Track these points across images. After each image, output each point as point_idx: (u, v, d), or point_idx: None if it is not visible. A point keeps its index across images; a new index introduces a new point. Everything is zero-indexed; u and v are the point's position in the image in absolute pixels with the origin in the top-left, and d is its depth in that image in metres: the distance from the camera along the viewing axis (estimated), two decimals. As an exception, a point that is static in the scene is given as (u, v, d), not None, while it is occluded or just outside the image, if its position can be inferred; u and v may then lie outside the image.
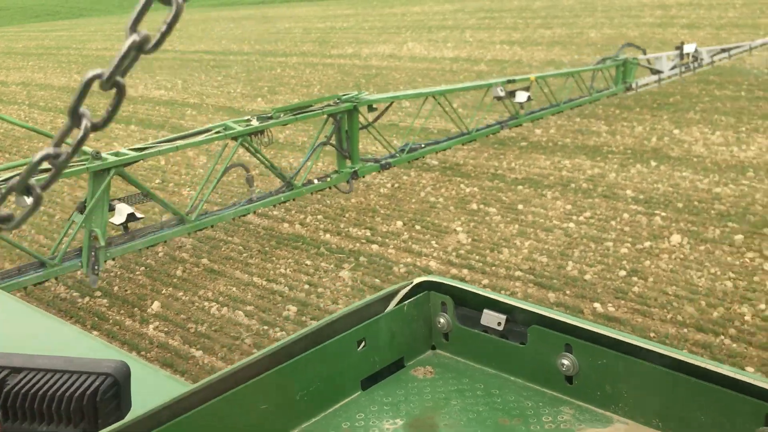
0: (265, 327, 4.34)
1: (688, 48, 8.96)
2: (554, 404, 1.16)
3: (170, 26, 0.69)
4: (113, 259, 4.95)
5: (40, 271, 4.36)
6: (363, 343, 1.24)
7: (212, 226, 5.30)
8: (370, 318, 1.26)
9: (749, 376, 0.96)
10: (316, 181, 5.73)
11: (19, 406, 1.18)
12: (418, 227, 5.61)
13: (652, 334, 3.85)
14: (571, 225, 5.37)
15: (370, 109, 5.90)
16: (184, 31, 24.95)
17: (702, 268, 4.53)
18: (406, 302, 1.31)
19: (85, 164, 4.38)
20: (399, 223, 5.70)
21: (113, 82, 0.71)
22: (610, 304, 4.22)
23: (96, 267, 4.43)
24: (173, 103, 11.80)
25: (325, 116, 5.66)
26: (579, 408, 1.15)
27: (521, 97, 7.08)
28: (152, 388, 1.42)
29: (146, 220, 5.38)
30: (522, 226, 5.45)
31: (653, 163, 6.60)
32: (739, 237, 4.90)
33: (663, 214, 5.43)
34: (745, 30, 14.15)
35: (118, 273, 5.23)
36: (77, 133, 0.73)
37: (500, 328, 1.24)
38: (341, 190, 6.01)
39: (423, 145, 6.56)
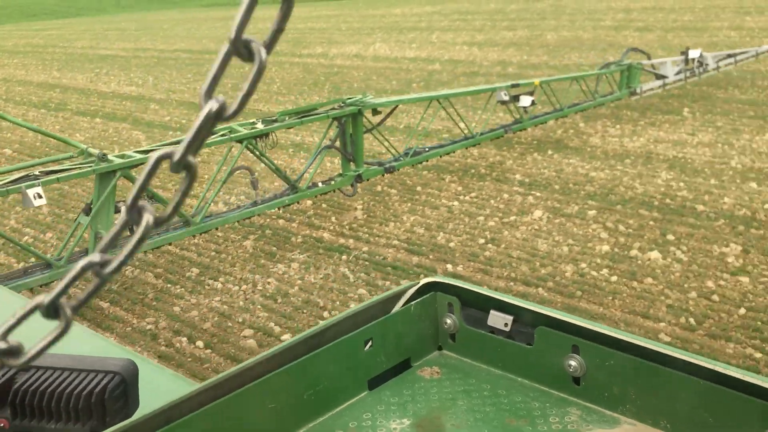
0: (169, 285, 5.07)
1: (693, 53, 8.97)
2: (561, 405, 1.17)
3: (253, 85, 0.58)
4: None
5: (46, 272, 4.36)
6: (370, 343, 1.25)
7: (217, 229, 5.40)
8: (377, 318, 1.27)
9: (758, 378, 0.96)
10: (320, 184, 5.76)
11: (27, 403, 1.18)
12: (324, 206, 6.35)
13: (484, 286, 4.58)
14: (456, 203, 6.11)
15: (375, 112, 5.94)
16: (169, 31, 25.72)
17: (549, 237, 5.27)
18: (412, 303, 1.32)
19: (91, 166, 4.42)
20: (309, 202, 6.43)
21: (184, 164, 0.59)
22: (460, 265, 4.95)
23: None
24: (141, 98, 12.55)
25: (330, 119, 5.69)
26: (586, 409, 1.15)
27: (525, 101, 7.07)
28: (159, 387, 1.43)
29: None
30: (414, 204, 6.19)
31: (550, 152, 7.34)
32: (592, 212, 5.64)
33: (538, 194, 6.17)
34: (691, 33, 14.90)
35: (54, 244, 5.96)
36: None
37: (507, 329, 1.25)
38: (345, 194, 6.03)
39: (427, 149, 6.58)
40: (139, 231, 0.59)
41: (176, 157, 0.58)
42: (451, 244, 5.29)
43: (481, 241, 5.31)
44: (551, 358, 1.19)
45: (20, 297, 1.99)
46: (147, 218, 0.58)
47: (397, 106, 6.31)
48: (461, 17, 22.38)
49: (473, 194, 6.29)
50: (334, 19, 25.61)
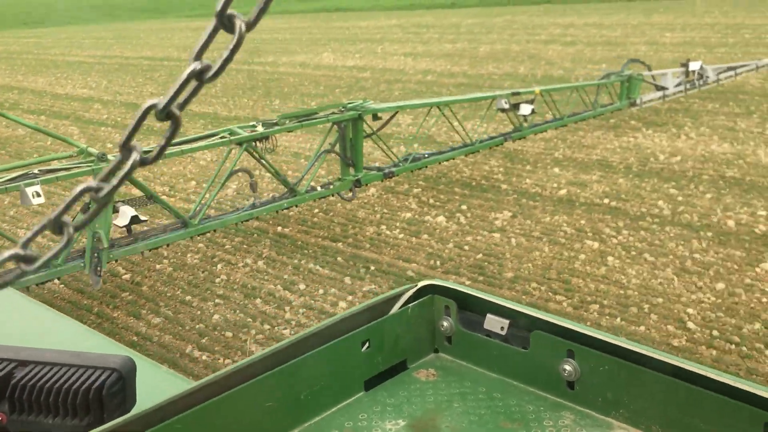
0: (51, 242, 6.15)
1: (693, 65, 9.19)
2: (555, 409, 1.19)
3: (232, 53, 0.68)
4: (116, 261, 5.10)
5: (43, 271, 4.35)
6: (367, 345, 1.28)
7: (215, 231, 5.45)
8: (375, 320, 1.29)
9: (749, 384, 1.00)
10: (319, 189, 5.83)
11: (25, 398, 1.19)
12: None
13: (312, 240, 5.70)
14: (312, 183, 7.21)
15: (375, 118, 6.01)
16: (142, 40, 26.88)
17: (370, 208, 6.40)
18: (410, 305, 1.35)
19: (90, 166, 4.47)
20: (195, 183, 7.54)
21: (167, 113, 0.70)
22: (290, 228, 6.07)
23: (98, 268, 4.45)
24: (89, 99, 13.69)
25: (330, 124, 5.78)
26: (580, 413, 1.18)
27: (525, 110, 7.19)
28: (156, 384, 1.46)
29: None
30: (278, 185, 7.29)
31: (416, 146, 8.46)
32: (417, 190, 6.77)
33: (383, 176, 7.28)
34: (608, 47, 16.13)
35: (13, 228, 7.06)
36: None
37: (503, 332, 1.27)
38: (344, 198, 6.14)
39: (426, 155, 6.68)
40: (128, 165, 0.69)
41: (161, 106, 0.68)
42: (290, 213, 6.42)
43: (316, 210, 6.44)
44: (546, 363, 1.21)
45: (24, 296, 2.01)
46: (135, 156, 0.69)
47: (397, 112, 6.40)
48: (417, 30, 23.63)
49: (331, 176, 7.41)
50: (300, 31, 26.82)
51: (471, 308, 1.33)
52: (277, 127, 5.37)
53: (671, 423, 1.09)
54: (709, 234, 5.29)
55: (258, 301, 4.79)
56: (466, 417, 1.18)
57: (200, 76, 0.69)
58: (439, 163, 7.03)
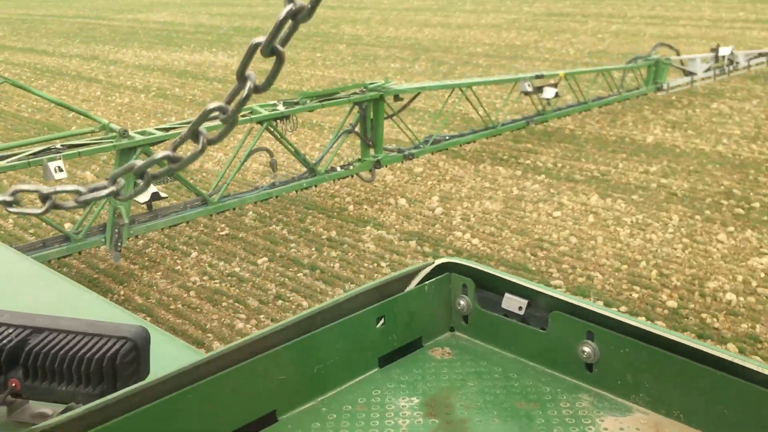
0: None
1: (724, 51, 8.86)
2: (573, 391, 1.18)
3: None
4: (136, 236, 5.04)
5: (64, 245, 4.40)
6: (382, 321, 1.28)
7: (234, 209, 5.37)
8: (391, 296, 1.29)
9: None
10: (338, 169, 5.73)
11: (39, 365, 1.19)
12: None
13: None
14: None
15: (397, 98, 5.87)
16: (72, 3, 28.23)
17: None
18: (426, 282, 1.34)
19: (112, 142, 4.38)
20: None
21: (271, 49, 0.81)
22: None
23: (119, 243, 4.48)
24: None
25: (351, 104, 5.64)
26: (598, 396, 1.17)
27: (549, 93, 7.03)
28: (169, 356, 1.45)
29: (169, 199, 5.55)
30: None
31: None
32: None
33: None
34: (528, 33, 15.66)
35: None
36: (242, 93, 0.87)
37: (521, 312, 1.27)
38: (363, 179, 6.00)
39: (447, 137, 6.53)
40: (245, 91, 0.86)
41: (264, 44, 0.80)
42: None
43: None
44: (565, 344, 1.20)
45: (43, 267, 2.01)
46: (250, 84, 0.85)
47: (419, 93, 6.26)
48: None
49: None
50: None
51: (489, 287, 1.33)
52: (298, 107, 5.32)
53: (694, 409, 1.07)
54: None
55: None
56: (480, 396, 1.17)
57: (295, 16, 0.80)
58: (460, 145, 6.89)
